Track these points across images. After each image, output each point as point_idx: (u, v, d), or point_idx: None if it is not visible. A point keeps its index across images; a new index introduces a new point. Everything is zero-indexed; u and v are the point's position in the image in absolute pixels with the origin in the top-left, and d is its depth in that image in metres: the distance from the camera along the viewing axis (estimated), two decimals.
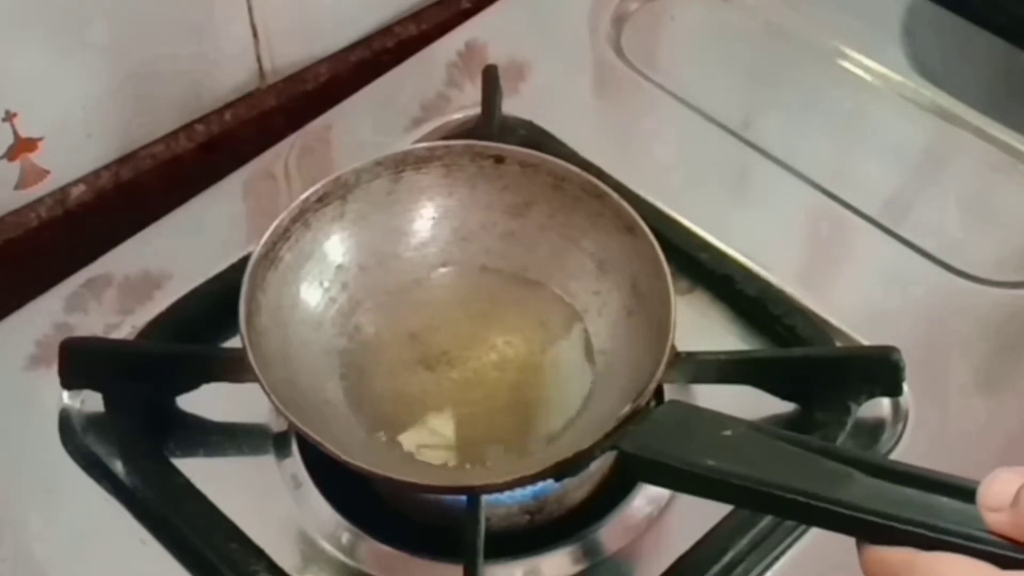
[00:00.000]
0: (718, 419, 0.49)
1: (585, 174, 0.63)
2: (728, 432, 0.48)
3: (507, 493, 0.59)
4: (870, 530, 0.42)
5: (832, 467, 0.45)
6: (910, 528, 0.41)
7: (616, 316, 0.61)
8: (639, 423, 0.52)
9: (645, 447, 0.50)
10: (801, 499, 0.44)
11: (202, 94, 0.78)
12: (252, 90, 0.80)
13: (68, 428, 0.63)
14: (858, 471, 0.44)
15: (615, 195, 0.62)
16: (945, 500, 0.42)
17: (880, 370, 0.62)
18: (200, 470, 0.61)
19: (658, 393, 0.63)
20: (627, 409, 0.53)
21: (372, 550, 0.59)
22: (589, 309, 0.62)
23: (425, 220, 0.64)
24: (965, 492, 0.42)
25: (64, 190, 0.75)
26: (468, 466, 0.57)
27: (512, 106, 0.75)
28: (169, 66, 0.75)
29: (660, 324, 0.57)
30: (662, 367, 0.55)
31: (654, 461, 0.49)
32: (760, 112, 0.79)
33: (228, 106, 0.80)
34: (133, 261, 0.70)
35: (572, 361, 0.61)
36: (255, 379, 0.55)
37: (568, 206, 0.63)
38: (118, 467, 0.62)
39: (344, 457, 0.54)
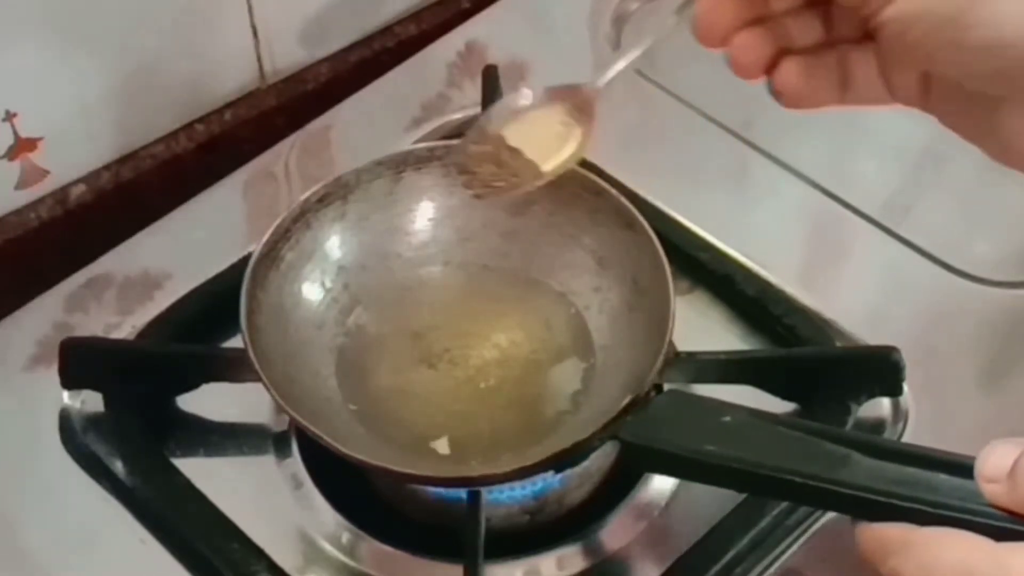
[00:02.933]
0: (717, 406, 0.50)
1: (584, 171, 0.63)
2: (727, 418, 0.48)
3: (507, 492, 0.59)
4: (870, 508, 0.42)
5: (831, 449, 0.45)
6: (909, 504, 0.42)
7: (617, 312, 0.61)
8: (638, 412, 0.52)
9: (645, 435, 0.50)
10: (799, 480, 0.44)
11: (202, 94, 0.78)
12: (252, 90, 0.80)
13: (68, 428, 0.63)
14: (857, 452, 0.45)
15: (614, 191, 0.62)
16: (943, 477, 0.43)
17: (880, 370, 0.62)
18: (200, 470, 0.61)
19: (658, 392, 0.63)
20: (627, 400, 0.53)
21: (372, 550, 0.59)
22: (591, 305, 0.62)
23: (426, 220, 0.65)
24: (963, 468, 0.42)
25: (64, 190, 0.75)
26: (468, 460, 0.57)
27: None
28: (169, 66, 0.75)
29: (660, 318, 0.57)
30: (661, 357, 0.55)
31: (654, 449, 0.49)
32: (760, 112, 0.79)
33: (228, 106, 0.80)
34: (133, 261, 0.70)
35: (574, 357, 0.61)
36: (256, 378, 0.55)
37: (568, 203, 0.63)
38: (118, 467, 0.62)
39: (344, 450, 0.54)
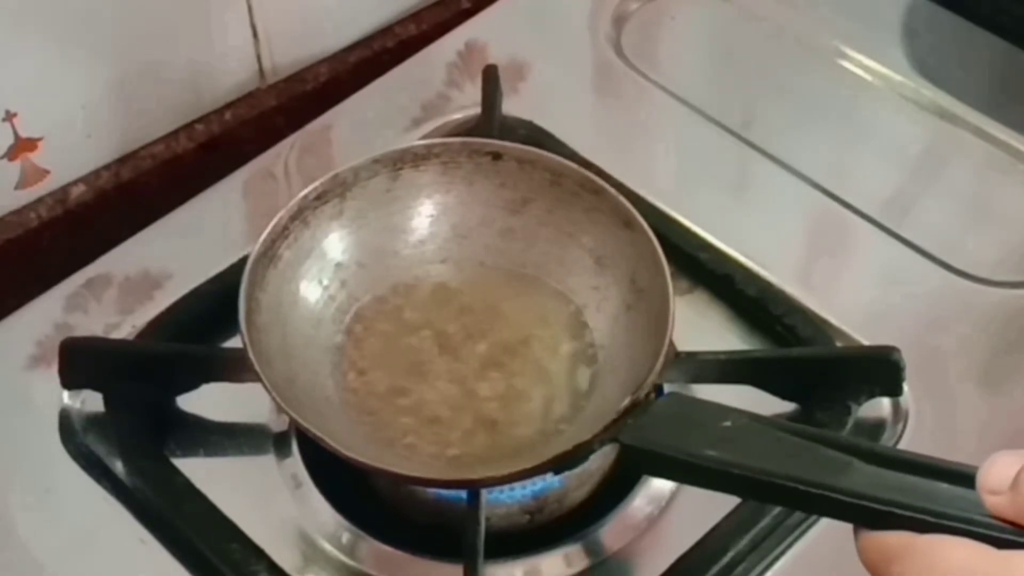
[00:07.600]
0: (718, 410, 0.50)
1: (582, 170, 0.63)
2: (728, 423, 0.48)
3: (507, 492, 0.59)
4: (870, 516, 0.42)
5: (832, 455, 0.45)
6: (910, 513, 0.41)
7: (615, 311, 0.61)
8: (639, 415, 0.52)
9: (645, 439, 0.50)
10: (801, 487, 0.44)
11: (202, 94, 0.78)
12: (252, 90, 0.80)
13: (68, 428, 0.63)
14: (858, 459, 0.44)
15: (612, 190, 0.62)
16: (944, 486, 0.42)
17: (880, 370, 0.62)
18: (200, 470, 0.61)
19: (658, 393, 0.63)
20: (626, 401, 0.53)
21: (372, 550, 0.59)
22: (588, 304, 0.62)
23: (424, 217, 0.65)
24: (964, 478, 0.42)
25: (64, 190, 0.75)
26: (468, 461, 0.57)
27: (512, 106, 0.75)
28: (169, 66, 0.75)
29: (659, 318, 0.57)
30: (661, 359, 0.55)
31: (654, 452, 0.49)
32: (760, 112, 0.79)
33: (228, 106, 0.80)
34: (133, 261, 0.70)
35: (572, 356, 0.61)
36: (255, 378, 0.55)
37: (566, 202, 0.63)
38: (118, 467, 0.62)
39: (345, 452, 0.54)
